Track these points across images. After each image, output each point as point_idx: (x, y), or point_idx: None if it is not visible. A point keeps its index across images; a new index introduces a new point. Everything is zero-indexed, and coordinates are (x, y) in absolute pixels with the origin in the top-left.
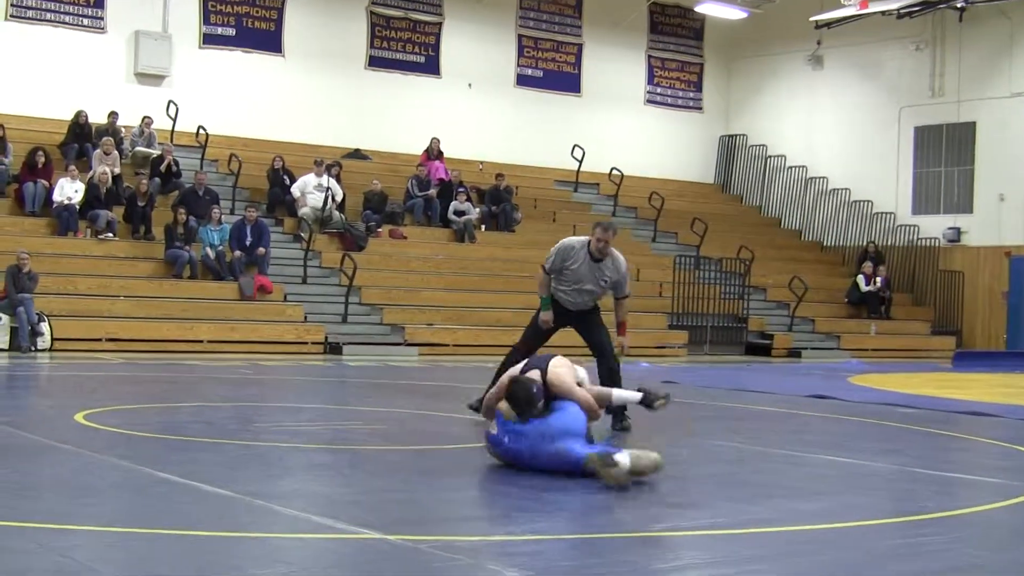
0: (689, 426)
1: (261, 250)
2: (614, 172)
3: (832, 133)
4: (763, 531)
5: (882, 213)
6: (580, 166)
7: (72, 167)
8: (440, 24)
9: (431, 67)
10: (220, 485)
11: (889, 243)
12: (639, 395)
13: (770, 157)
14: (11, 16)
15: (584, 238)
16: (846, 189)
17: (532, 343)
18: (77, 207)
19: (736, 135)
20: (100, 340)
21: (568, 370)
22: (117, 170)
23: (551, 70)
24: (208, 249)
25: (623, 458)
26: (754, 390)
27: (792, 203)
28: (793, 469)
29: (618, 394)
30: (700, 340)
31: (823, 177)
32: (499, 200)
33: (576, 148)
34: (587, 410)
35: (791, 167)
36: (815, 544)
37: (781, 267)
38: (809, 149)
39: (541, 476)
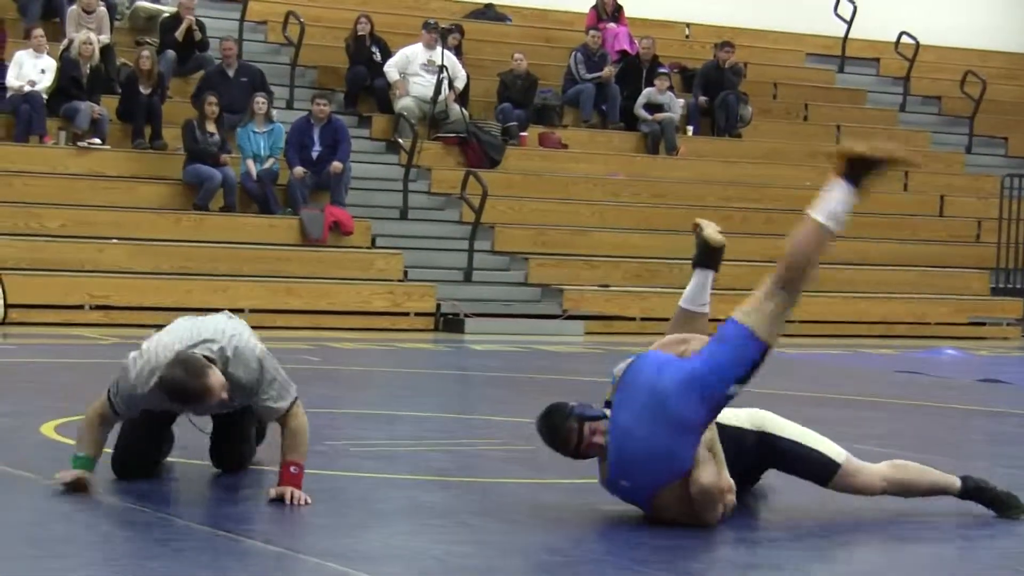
0: None
1: (336, 166)
2: (904, 40)
3: None
4: None
5: None
6: (848, 31)
7: (37, 33)
8: None
9: None
10: (268, 537)
11: None
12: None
13: None
14: None
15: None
16: None
17: None
18: (44, 97)
19: None
20: (81, 308)
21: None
22: (106, 38)
23: None
24: (250, 164)
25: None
26: None
27: None
28: None
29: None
30: None
31: None
32: (718, 86)
33: (842, 2)
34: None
35: None
36: None
37: None
38: None
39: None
